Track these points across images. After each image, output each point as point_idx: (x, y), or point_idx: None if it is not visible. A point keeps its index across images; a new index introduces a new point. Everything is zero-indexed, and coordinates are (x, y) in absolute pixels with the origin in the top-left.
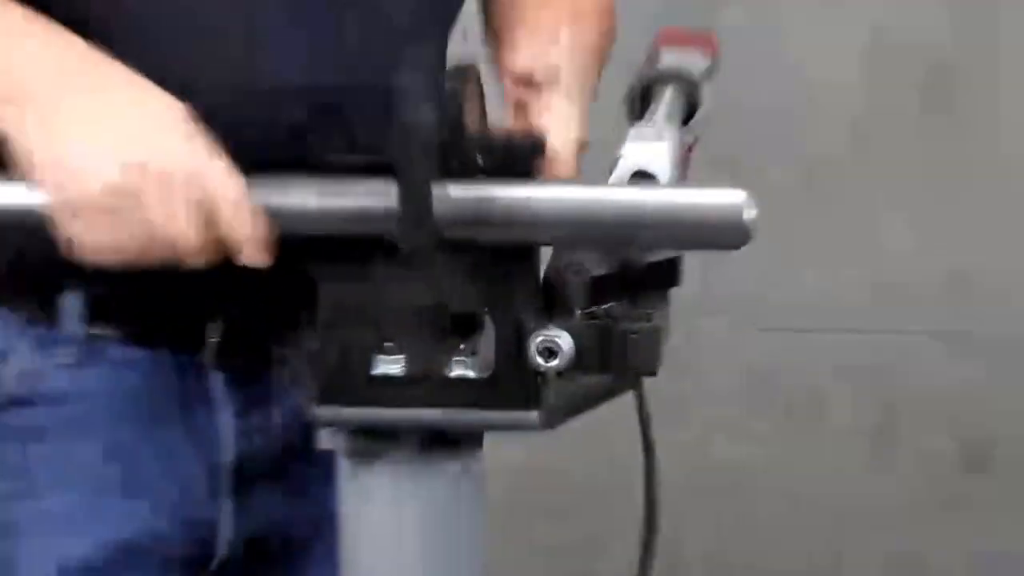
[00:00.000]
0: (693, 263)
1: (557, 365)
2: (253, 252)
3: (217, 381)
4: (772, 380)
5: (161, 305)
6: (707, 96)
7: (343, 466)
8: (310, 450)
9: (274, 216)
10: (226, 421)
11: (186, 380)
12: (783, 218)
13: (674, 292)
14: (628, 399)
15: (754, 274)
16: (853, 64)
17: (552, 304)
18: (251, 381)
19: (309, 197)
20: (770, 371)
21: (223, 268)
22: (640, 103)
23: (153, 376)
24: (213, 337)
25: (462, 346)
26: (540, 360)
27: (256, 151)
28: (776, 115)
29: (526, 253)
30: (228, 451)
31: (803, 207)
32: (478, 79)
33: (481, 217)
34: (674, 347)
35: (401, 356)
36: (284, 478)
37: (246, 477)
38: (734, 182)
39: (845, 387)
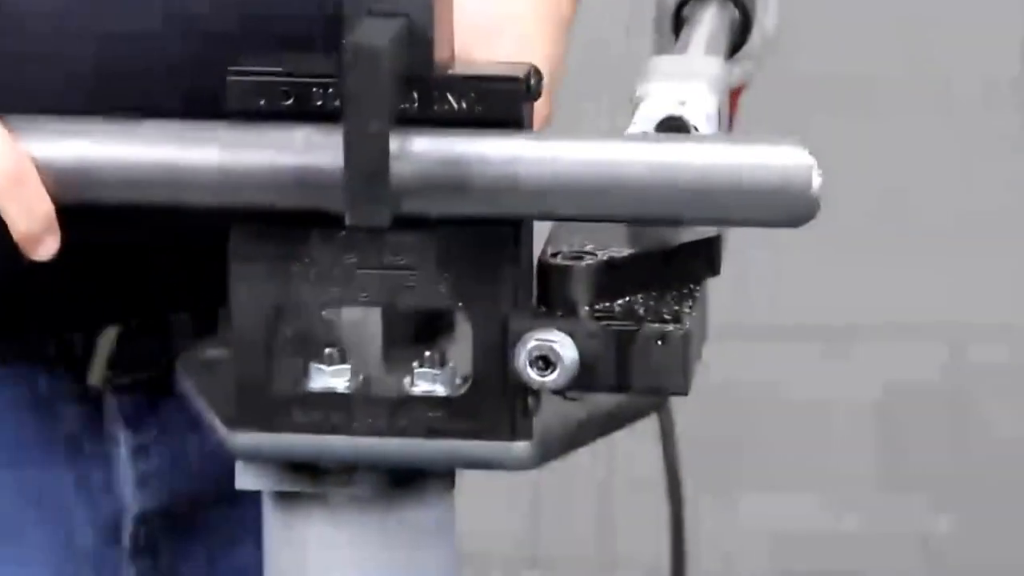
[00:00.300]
0: None
1: (555, 380)
2: (35, 244)
3: (112, 408)
4: None
5: (30, 308)
6: (767, 14)
7: (269, 511)
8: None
9: (151, 178)
10: (124, 460)
11: (68, 408)
12: None
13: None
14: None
15: None
16: None
17: (549, 299)
18: (156, 407)
19: (206, 152)
20: None
21: (117, 255)
22: (672, 26)
23: (23, 404)
24: (104, 351)
25: (428, 353)
26: (532, 373)
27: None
28: None
29: (514, 230)
30: (128, 499)
31: None
32: None
33: (455, 181)
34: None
35: (346, 366)
36: (205, 529)
37: (152, 531)
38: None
39: None
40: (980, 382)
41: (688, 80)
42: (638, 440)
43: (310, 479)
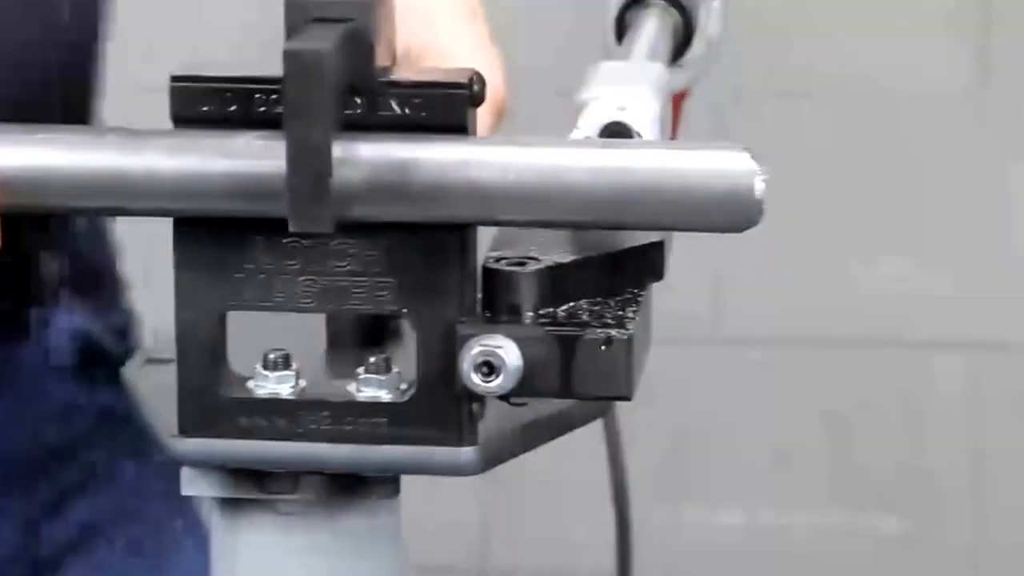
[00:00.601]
0: None
1: (499, 385)
2: None
3: None
4: None
5: None
6: (710, 21)
7: (215, 517)
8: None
9: (92, 185)
10: None
11: None
12: None
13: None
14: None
15: None
16: None
17: (494, 304)
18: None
19: (148, 158)
20: None
21: None
22: (615, 31)
23: None
24: None
25: (373, 359)
26: (476, 378)
27: None
28: None
29: (459, 236)
30: None
31: None
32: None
33: (399, 187)
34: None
35: (291, 372)
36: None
37: None
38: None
39: None
40: (938, 392)
41: (630, 85)
42: (587, 446)
43: (255, 485)
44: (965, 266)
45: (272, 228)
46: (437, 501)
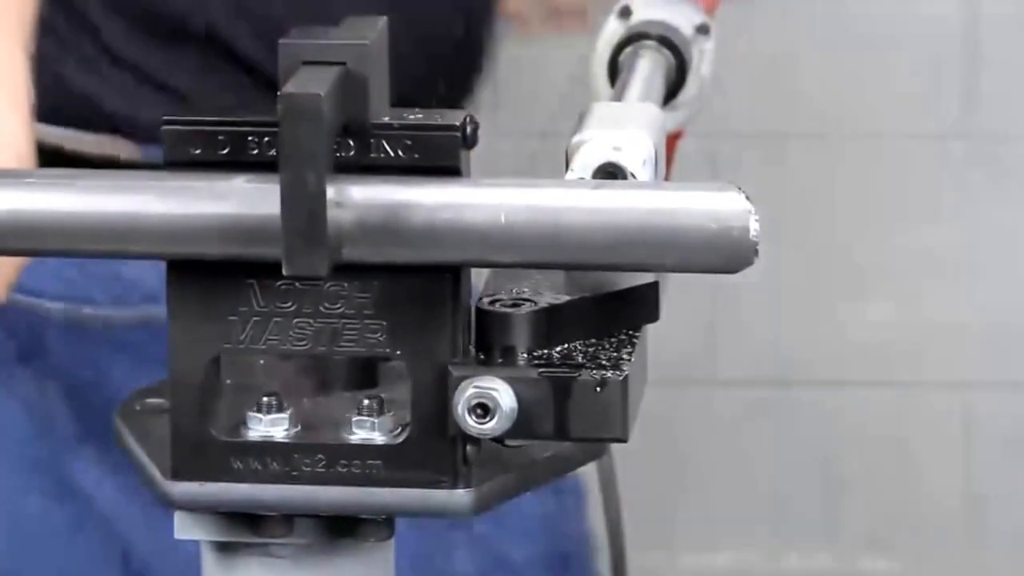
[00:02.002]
0: None
1: (493, 427)
2: None
3: None
4: None
5: None
6: (701, 63)
7: (209, 560)
8: None
9: (87, 229)
10: None
11: None
12: None
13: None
14: None
15: None
16: None
17: (488, 345)
18: None
19: (142, 202)
20: None
21: None
22: (608, 73)
23: None
24: None
25: (367, 401)
26: (470, 420)
27: None
28: None
29: (452, 278)
30: None
31: None
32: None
33: (393, 229)
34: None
35: (284, 415)
36: None
37: None
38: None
39: None
40: (929, 431)
41: (624, 127)
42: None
43: (249, 528)
44: (956, 306)
45: (266, 271)
46: None
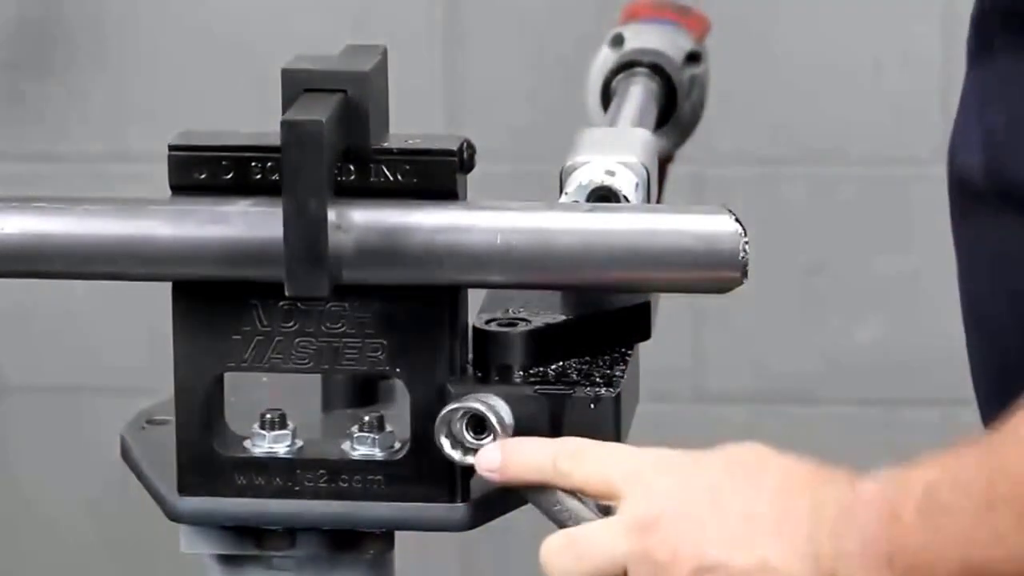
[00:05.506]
0: None
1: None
2: None
3: None
4: None
5: None
6: (691, 89)
7: (212, 574)
8: None
9: (96, 253)
10: None
11: None
12: None
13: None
14: None
15: None
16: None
17: (484, 363)
18: None
19: (148, 226)
20: None
21: None
22: (601, 99)
23: None
24: None
25: (367, 418)
26: (468, 436)
27: None
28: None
29: (450, 298)
30: None
31: None
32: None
33: (393, 251)
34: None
35: (287, 431)
36: None
37: None
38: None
39: None
40: (916, 448)
41: (617, 151)
42: None
43: (253, 542)
44: (943, 325)
45: (268, 292)
46: (420, 555)
